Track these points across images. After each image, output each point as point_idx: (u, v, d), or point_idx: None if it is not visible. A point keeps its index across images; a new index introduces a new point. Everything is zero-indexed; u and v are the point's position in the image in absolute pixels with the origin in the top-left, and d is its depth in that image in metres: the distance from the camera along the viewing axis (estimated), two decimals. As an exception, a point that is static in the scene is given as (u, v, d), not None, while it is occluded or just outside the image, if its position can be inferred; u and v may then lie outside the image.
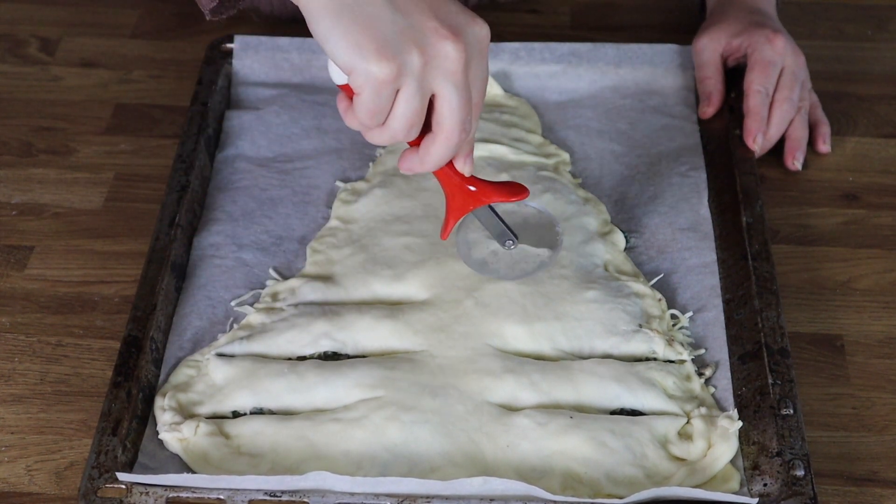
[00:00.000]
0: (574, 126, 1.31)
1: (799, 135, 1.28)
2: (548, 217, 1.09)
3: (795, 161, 1.28)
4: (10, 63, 1.43)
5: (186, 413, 1.02)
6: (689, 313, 1.10)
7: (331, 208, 1.21)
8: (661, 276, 1.14)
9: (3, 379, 1.09)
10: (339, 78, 0.94)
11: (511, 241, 1.07)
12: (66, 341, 1.12)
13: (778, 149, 1.28)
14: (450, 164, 1.00)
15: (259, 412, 1.03)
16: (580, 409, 1.03)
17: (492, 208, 1.05)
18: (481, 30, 0.95)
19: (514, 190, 1.03)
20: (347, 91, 0.95)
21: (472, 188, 1.02)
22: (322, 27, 0.90)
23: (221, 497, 0.94)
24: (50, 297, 1.16)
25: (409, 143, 0.97)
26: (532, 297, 1.11)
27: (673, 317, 1.10)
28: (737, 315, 1.09)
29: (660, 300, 1.11)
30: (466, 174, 1.01)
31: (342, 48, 0.89)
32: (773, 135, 1.27)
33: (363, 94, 0.91)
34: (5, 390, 1.08)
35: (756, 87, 1.26)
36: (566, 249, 1.15)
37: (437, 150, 0.95)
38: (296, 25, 1.38)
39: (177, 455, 1.00)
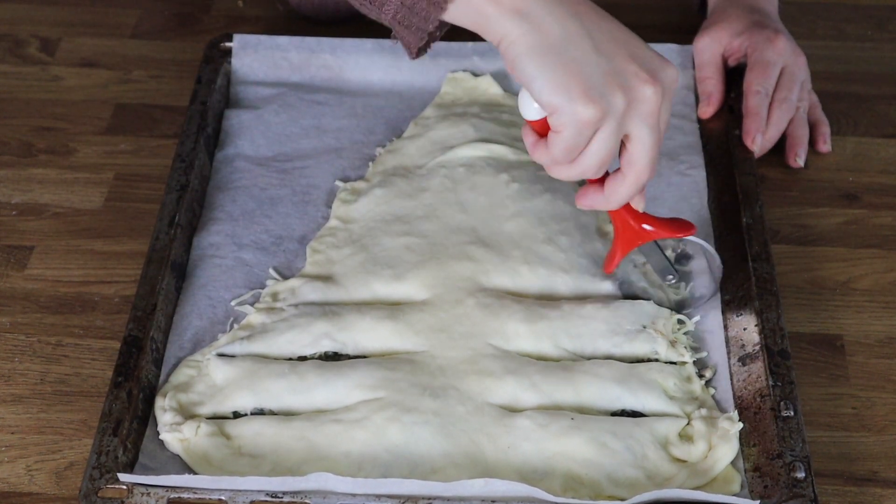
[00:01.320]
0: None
1: (799, 132, 1.28)
2: (711, 255, 1.09)
3: (798, 158, 1.28)
4: (10, 63, 1.43)
5: (187, 413, 1.02)
6: (696, 317, 1.10)
7: (330, 208, 1.21)
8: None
9: (3, 379, 1.09)
10: (532, 114, 0.98)
11: (672, 276, 1.09)
12: (66, 341, 1.12)
13: (778, 148, 1.28)
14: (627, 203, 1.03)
15: (260, 413, 1.03)
16: (581, 411, 1.03)
17: (658, 245, 1.07)
18: (673, 72, 0.98)
19: (682, 227, 1.06)
20: (537, 126, 0.98)
21: (644, 226, 1.05)
22: (529, 68, 0.93)
23: (223, 498, 0.95)
24: (50, 297, 1.16)
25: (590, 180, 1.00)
26: (534, 297, 1.11)
27: (678, 320, 1.10)
28: (737, 316, 1.09)
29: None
30: (640, 209, 1.04)
31: (549, 89, 0.92)
32: (773, 135, 1.27)
33: (565, 132, 0.94)
34: (5, 390, 1.08)
35: (756, 87, 1.26)
36: (567, 250, 1.15)
37: (625, 189, 0.99)
38: (323, 28, 1.39)
39: (177, 456, 1.00)
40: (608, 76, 0.94)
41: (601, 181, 1.01)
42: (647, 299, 1.10)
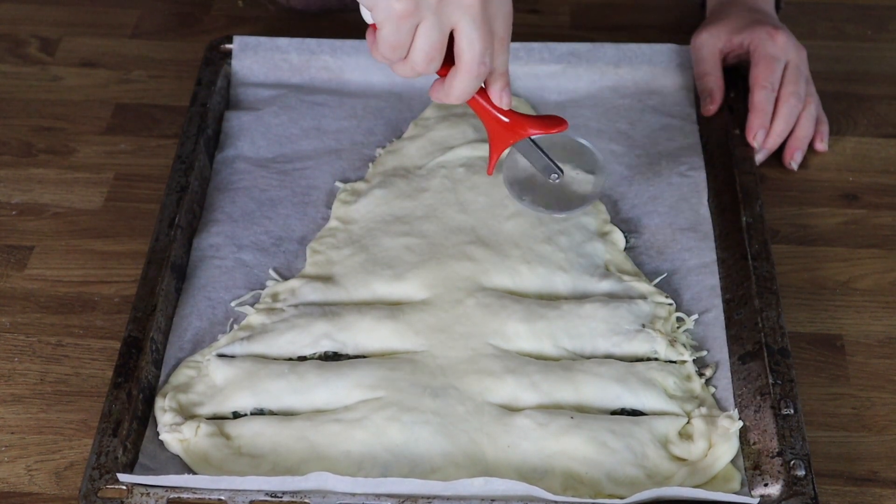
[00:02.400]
0: (573, 126, 1.30)
1: (803, 133, 1.28)
2: (591, 151, 1.10)
3: (793, 161, 1.27)
4: (10, 63, 1.43)
5: (187, 414, 1.02)
6: (695, 316, 1.10)
7: (330, 209, 1.21)
8: (665, 275, 1.14)
9: (3, 379, 1.09)
10: (368, 17, 1.01)
11: (556, 175, 1.09)
12: (66, 341, 1.12)
13: (781, 148, 1.28)
14: (488, 98, 1.04)
15: (259, 413, 1.03)
16: (581, 410, 1.03)
17: (534, 142, 1.07)
18: None
19: (554, 122, 1.06)
20: (374, 28, 1.00)
21: (511, 121, 1.05)
22: None
23: (222, 498, 0.95)
24: (50, 297, 1.16)
25: (438, 74, 1.01)
26: (533, 296, 1.11)
27: (678, 319, 1.10)
28: (737, 315, 1.09)
29: (671, 304, 1.11)
30: (504, 107, 1.04)
31: None
32: (781, 130, 1.26)
33: (384, 28, 0.97)
34: (5, 390, 1.08)
35: (762, 82, 1.26)
36: (567, 249, 1.15)
37: (459, 83, 1.00)
38: (310, 20, 1.39)
39: (177, 456, 1.00)
40: None
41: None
42: (539, 210, 1.10)
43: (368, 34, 1.01)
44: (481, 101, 1.04)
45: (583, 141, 1.11)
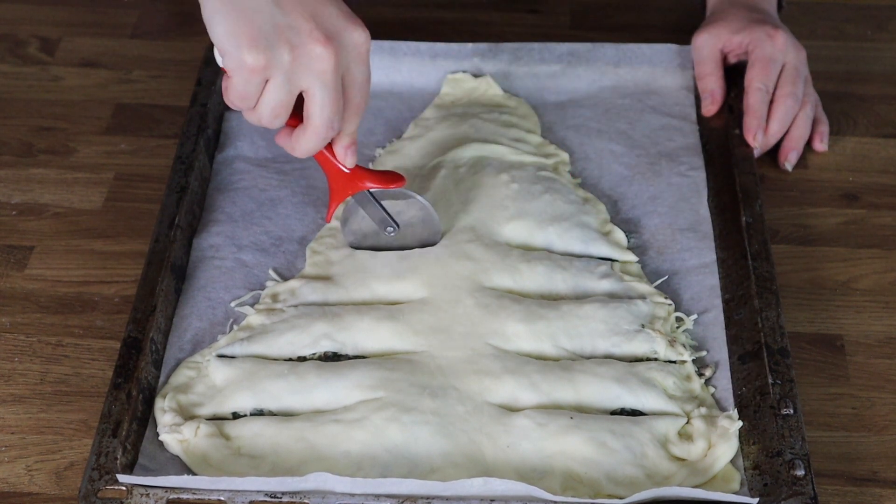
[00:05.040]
0: (573, 126, 1.31)
1: (799, 133, 1.28)
2: (430, 211, 1.14)
3: (787, 162, 1.27)
4: (10, 63, 1.43)
5: (187, 414, 1.02)
6: (694, 316, 1.10)
7: (330, 209, 1.21)
8: (665, 277, 1.14)
9: (3, 379, 1.09)
10: (221, 60, 1.01)
11: (391, 228, 1.13)
12: (66, 341, 1.12)
13: (777, 148, 1.28)
14: (332, 152, 1.08)
15: (259, 413, 1.03)
16: (580, 410, 1.03)
17: (373, 196, 1.11)
18: (359, 36, 1.01)
19: (392, 178, 1.11)
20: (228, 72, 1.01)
21: (352, 174, 1.10)
22: (208, 11, 0.98)
23: (222, 498, 0.95)
24: (50, 297, 1.16)
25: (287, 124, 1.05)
26: (533, 296, 1.11)
27: (677, 319, 1.10)
28: (736, 315, 1.09)
29: (670, 304, 1.11)
30: (348, 165, 1.09)
31: (220, 33, 0.97)
32: (776, 131, 1.26)
33: (234, 77, 0.99)
34: (5, 390, 1.08)
35: (756, 84, 1.26)
36: (566, 249, 1.15)
37: (305, 142, 1.03)
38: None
39: (177, 456, 1.00)
40: (280, 30, 0.97)
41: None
42: (380, 248, 1.15)
43: (223, 79, 1.01)
44: (326, 152, 1.08)
45: (420, 199, 1.13)
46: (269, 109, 1.00)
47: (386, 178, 1.11)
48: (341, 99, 1.01)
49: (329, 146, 1.08)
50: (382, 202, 1.12)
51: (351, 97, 1.03)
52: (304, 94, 1.01)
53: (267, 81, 0.99)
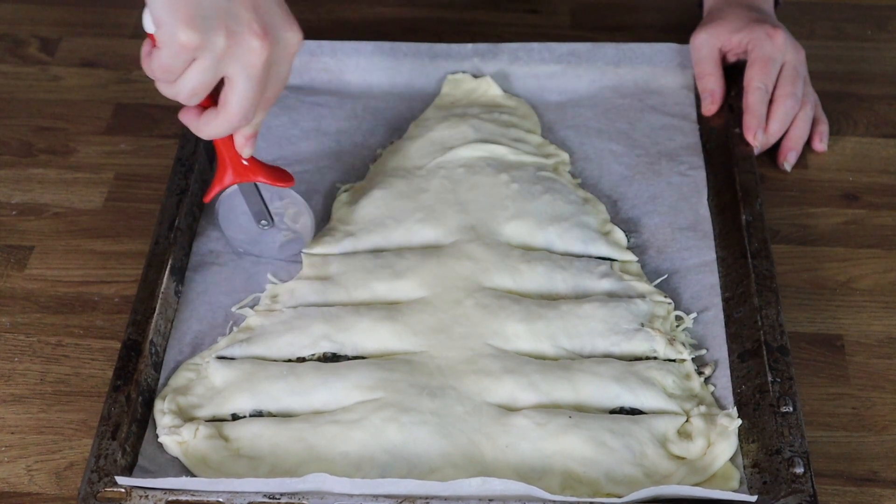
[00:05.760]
0: (573, 126, 1.31)
1: (798, 133, 1.28)
2: (306, 210, 1.14)
3: (786, 162, 1.27)
4: (10, 63, 1.43)
5: (186, 416, 1.02)
6: (694, 314, 1.10)
7: (330, 210, 1.21)
8: (665, 276, 1.14)
9: (3, 379, 1.09)
10: (149, 27, 1.01)
11: (265, 223, 1.13)
12: (66, 341, 1.12)
13: (776, 148, 1.28)
14: (231, 139, 1.08)
15: (258, 415, 1.03)
16: (579, 409, 1.03)
17: (257, 188, 1.11)
18: (293, 36, 1.01)
19: (282, 176, 1.11)
20: (153, 40, 1.00)
21: (248, 164, 1.10)
22: None
23: (221, 500, 0.94)
24: (50, 297, 1.16)
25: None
26: (533, 296, 1.11)
27: (677, 318, 1.10)
28: (736, 313, 1.09)
29: (669, 303, 1.11)
30: (245, 156, 1.08)
31: (160, 3, 0.96)
32: (776, 131, 1.26)
33: (163, 50, 0.97)
34: (5, 390, 1.08)
35: (756, 83, 1.26)
36: (566, 249, 1.15)
37: (215, 126, 1.03)
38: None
39: (176, 458, 1.00)
40: (220, 14, 0.97)
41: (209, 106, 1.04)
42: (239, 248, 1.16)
43: (146, 43, 1.01)
44: (223, 139, 1.08)
45: (300, 200, 1.14)
46: (188, 89, 0.99)
47: (277, 176, 1.11)
48: (262, 93, 1.01)
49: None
50: (264, 197, 1.13)
51: (267, 92, 1.02)
52: (225, 80, 1.00)
53: (194, 60, 0.98)
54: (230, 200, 1.14)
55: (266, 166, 1.11)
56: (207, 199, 1.13)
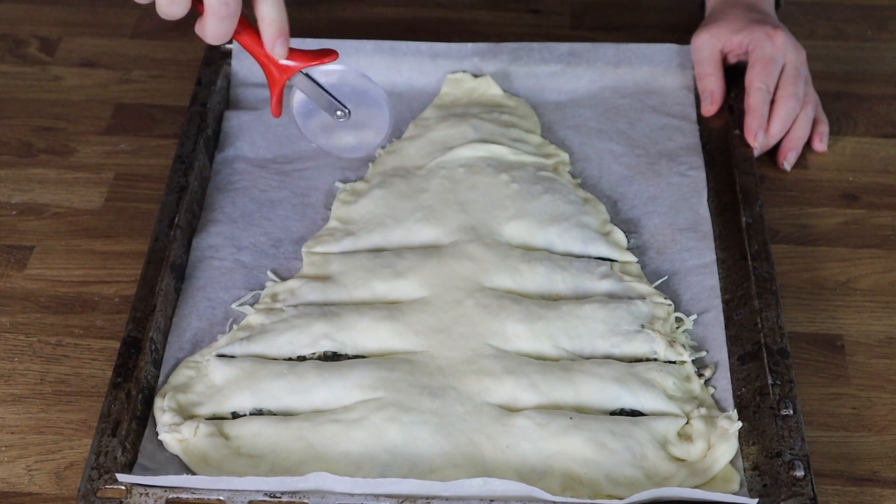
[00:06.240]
0: (573, 126, 1.31)
1: (799, 134, 1.28)
2: (375, 89, 1.12)
3: (786, 162, 1.27)
4: (10, 63, 1.43)
5: (186, 414, 1.02)
6: (694, 316, 1.10)
7: (330, 210, 1.21)
8: (665, 277, 1.14)
9: (3, 379, 1.09)
10: None
11: (341, 112, 1.11)
12: (66, 341, 1.12)
13: (776, 148, 1.28)
14: (261, 43, 1.06)
15: (259, 413, 1.03)
16: (580, 410, 1.03)
17: (313, 80, 1.09)
18: None
19: (325, 54, 1.08)
20: None
21: (285, 62, 1.08)
22: None
23: (221, 498, 0.94)
24: (50, 297, 1.16)
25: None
26: (533, 296, 1.11)
27: (677, 319, 1.10)
28: (736, 315, 1.09)
29: (669, 305, 1.11)
30: (278, 58, 1.07)
31: None
32: (777, 131, 1.26)
33: None
34: (5, 390, 1.08)
35: (757, 83, 1.26)
36: (566, 249, 1.15)
37: (209, 26, 1.04)
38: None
39: (176, 456, 1.00)
40: None
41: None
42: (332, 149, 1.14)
43: None
44: (252, 44, 1.07)
45: (368, 79, 1.12)
46: None
47: (317, 55, 1.08)
48: None
49: (257, 38, 1.07)
50: (328, 88, 1.10)
51: None
52: None
53: None
54: (302, 109, 1.12)
55: (307, 53, 1.08)
56: (274, 111, 1.10)
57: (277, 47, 1.06)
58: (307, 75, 1.09)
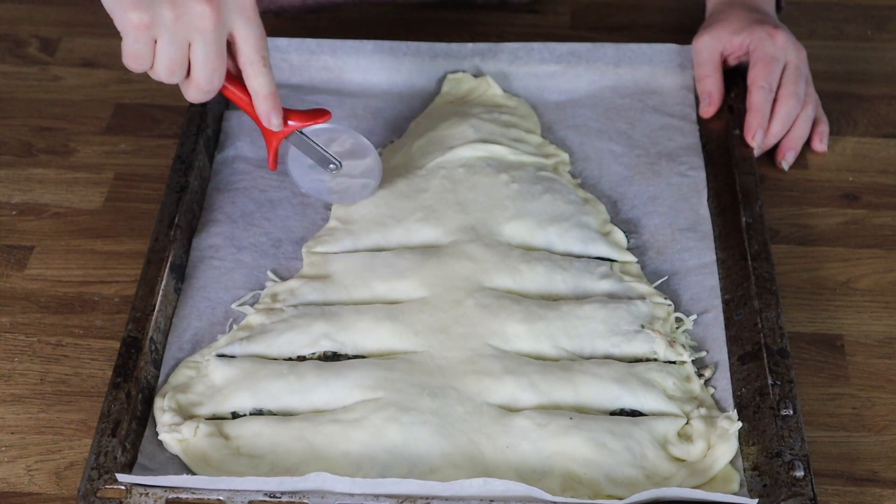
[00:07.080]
0: (573, 126, 1.31)
1: (799, 133, 1.28)
2: (364, 143, 1.17)
3: (784, 161, 1.27)
4: (10, 63, 1.43)
5: (186, 414, 1.02)
6: (694, 316, 1.10)
7: (330, 210, 1.21)
8: (665, 278, 1.14)
9: (3, 379, 1.09)
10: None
11: (333, 165, 1.16)
12: (66, 341, 1.12)
13: (776, 147, 1.28)
14: (251, 105, 1.11)
15: (259, 413, 1.03)
16: (580, 410, 1.03)
17: (306, 136, 1.14)
18: None
19: (318, 114, 1.14)
20: None
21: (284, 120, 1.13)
22: None
23: (221, 498, 0.95)
24: (50, 297, 1.16)
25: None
26: (534, 296, 1.11)
27: (677, 319, 1.10)
28: (736, 315, 1.09)
29: (669, 305, 1.11)
30: (273, 129, 1.12)
31: None
32: (778, 131, 1.26)
33: (124, 38, 1.04)
34: (5, 390, 1.08)
35: (760, 82, 1.26)
36: (566, 249, 1.15)
37: (192, 93, 1.08)
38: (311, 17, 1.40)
39: (176, 456, 1.00)
40: None
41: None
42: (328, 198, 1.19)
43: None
44: (248, 107, 1.12)
45: (357, 135, 1.17)
46: (163, 67, 1.04)
47: (311, 115, 1.14)
48: (223, 56, 1.05)
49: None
50: (318, 142, 1.15)
51: (245, 53, 1.07)
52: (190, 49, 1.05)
53: (156, 42, 1.03)
54: (296, 162, 1.16)
55: (300, 112, 1.14)
56: (271, 167, 1.15)
57: (273, 119, 1.11)
58: (301, 132, 1.14)
